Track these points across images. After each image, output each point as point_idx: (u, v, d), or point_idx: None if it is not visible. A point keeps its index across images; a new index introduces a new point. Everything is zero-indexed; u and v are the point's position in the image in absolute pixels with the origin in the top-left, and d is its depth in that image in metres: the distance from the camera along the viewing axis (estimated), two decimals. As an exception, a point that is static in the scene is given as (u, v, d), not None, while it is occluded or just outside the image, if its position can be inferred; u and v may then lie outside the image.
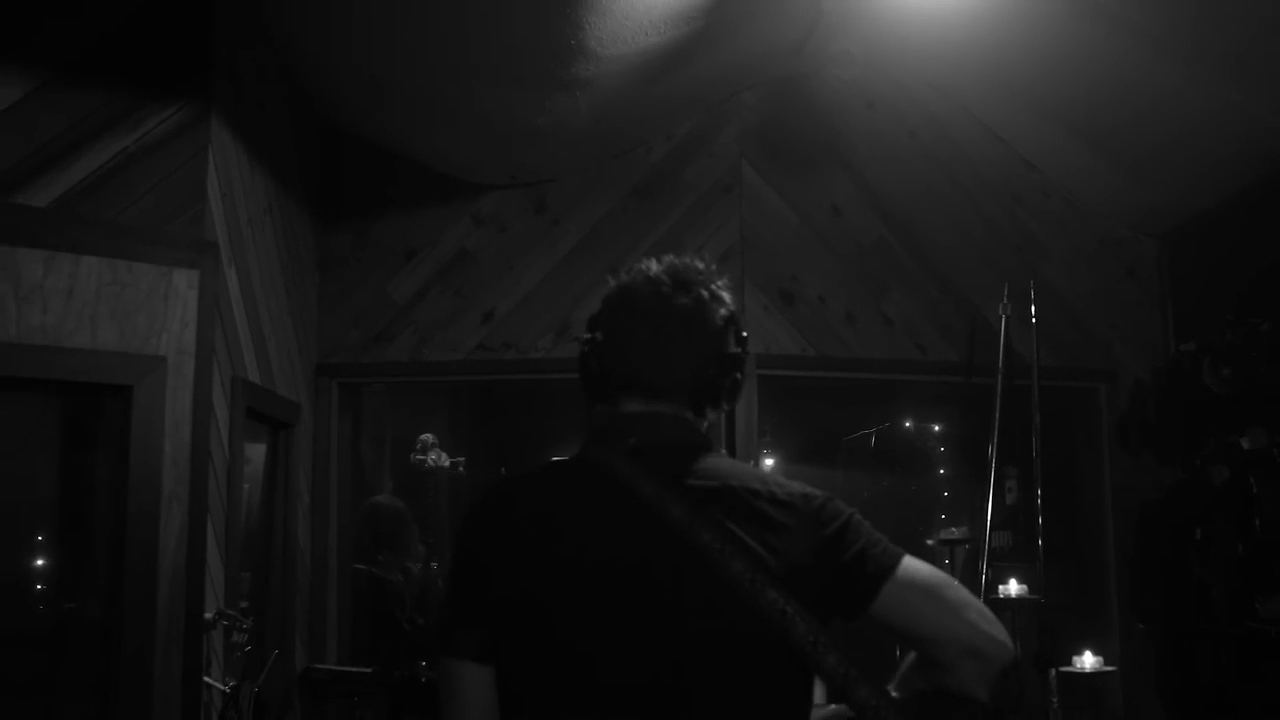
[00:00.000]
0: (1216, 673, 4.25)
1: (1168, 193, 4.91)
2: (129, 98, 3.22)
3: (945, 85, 5.06)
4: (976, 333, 4.90)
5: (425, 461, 5.87)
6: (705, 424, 1.76)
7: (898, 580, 1.59)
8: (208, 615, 3.25)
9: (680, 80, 4.27)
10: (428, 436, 5.94)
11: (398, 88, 4.09)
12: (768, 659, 1.56)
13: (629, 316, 1.73)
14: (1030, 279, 4.65)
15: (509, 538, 1.64)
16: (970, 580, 4.36)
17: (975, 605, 1.63)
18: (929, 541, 4.69)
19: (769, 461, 6.14)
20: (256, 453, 4.06)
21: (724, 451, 1.90)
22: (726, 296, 1.76)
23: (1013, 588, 4.30)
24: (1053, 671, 4.06)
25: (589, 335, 1.77)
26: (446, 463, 5.96)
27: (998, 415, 4.39)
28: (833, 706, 1.64)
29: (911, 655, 1.69)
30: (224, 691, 3.32)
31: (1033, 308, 4.52)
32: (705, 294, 1.72)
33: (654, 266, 1.75)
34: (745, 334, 1.78)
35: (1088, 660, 4.11)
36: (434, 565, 5.48)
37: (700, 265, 1.76)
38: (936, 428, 6.49)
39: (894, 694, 1.61)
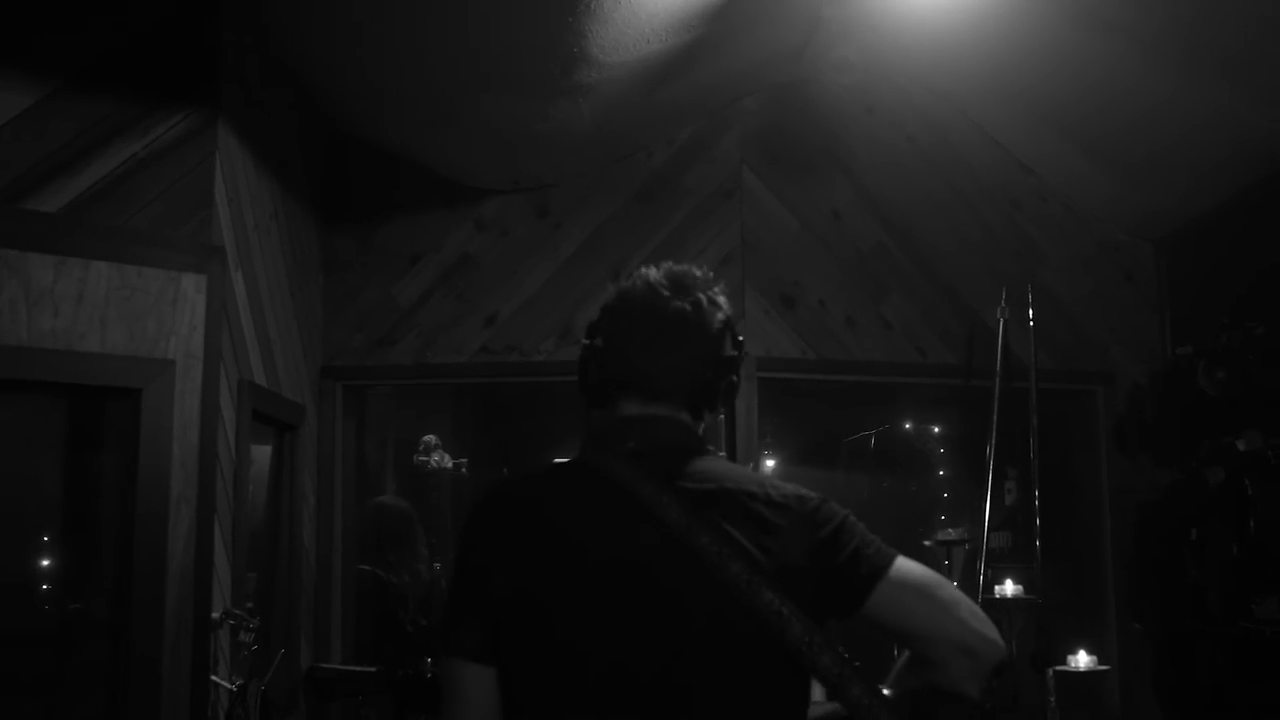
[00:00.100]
0: (1213, 672, 4.28)
1: (1164, 197, 4.94)
2: (138, 105, 3.25)
3: (944, 90, 5.10)
4: (975, 336, 4.94)
5: (428, 463, 5.91)
6: (702, 426, 1.80)
7: (891, 580, 1.62)
8: (215, 615, 3.29)
9: (681, 86, 4.31)
10: (431, 438, 5.98)
11: (402, 94, 4.13)
12: (765, 659, 1.59)
13: (628, 320, 1.76)
14: (1028, 283, 4.69)
15: (510, 539, 1.67)
16: (969, 580, 4.40)
17: (966, 604, 1.66)
18: (926, 542, 4.72)
19: (770, 463, 6.18)
20: (262, 454, 4.10)
21: (722, 454, 1.93)
22: (723, 302, 1.79)
23: (1009, 588, 4.34)
24: (1050, 671, 4.10)
25: (587, 342, 1.80)
26: (449, 464, 6.00)
27: (995, 417, 4.43)
28: (828, 705, 1.66)
29: (905, 654, 1.72)
30: (231, 690, 3.35)
31: (1030, 311, 4.56)
32: (703, 298, 1.76)
33: (653, 273, 1.79)
34: (741, 338, 1.81)
35: (1082, 659, 4.15)
36: (437, 566, 5.52)
37: (698, 272, 1.80)
38: (936, 429, 6.53)
39: (887, 692, 1.64)
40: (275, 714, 3.55)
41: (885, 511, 6.39)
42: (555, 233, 4.82)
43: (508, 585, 1.63)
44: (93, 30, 3.22)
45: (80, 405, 3.30)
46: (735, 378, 1.79)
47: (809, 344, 4.84)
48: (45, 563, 3.33)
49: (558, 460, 1.90)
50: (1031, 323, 4.56)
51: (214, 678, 3.28)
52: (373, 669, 3.84)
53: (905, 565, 1.65)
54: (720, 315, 1.77)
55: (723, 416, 3.02)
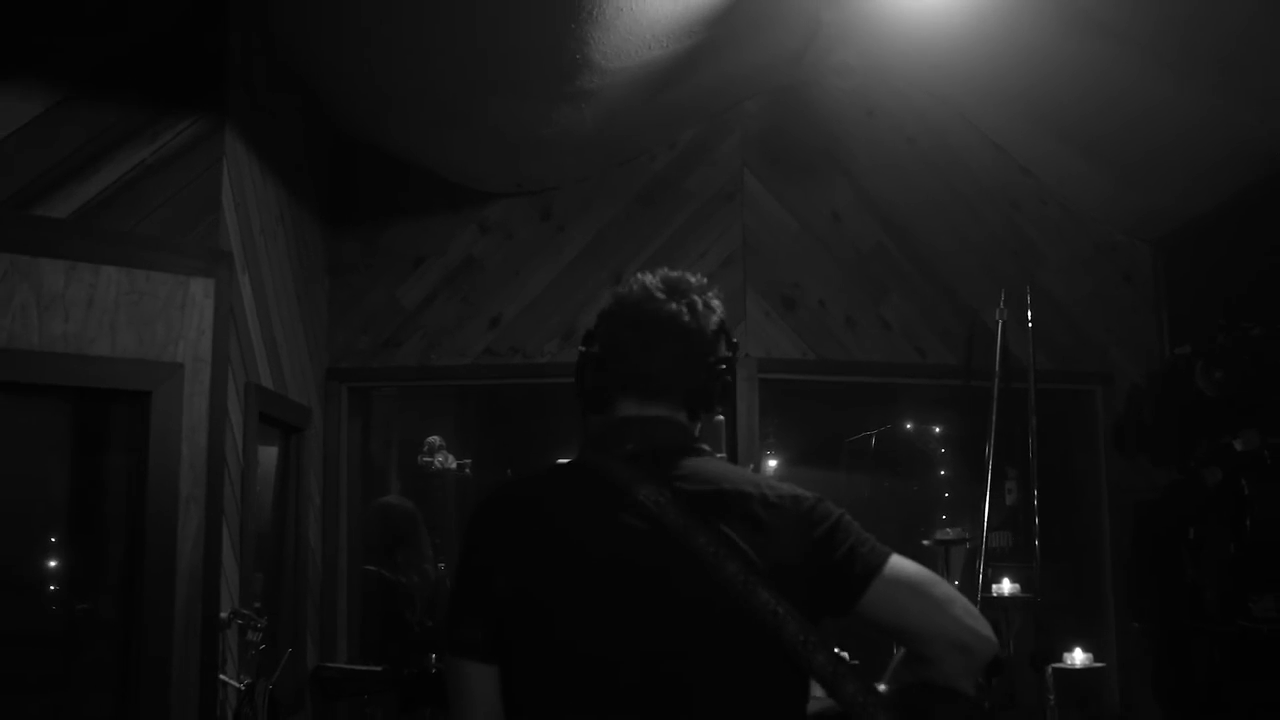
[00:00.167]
0: (1211, 670, 4.31)
1: (1161, 198, 4.97)
2: (146, 111, 3.29)
3: (943, 93, 5.13)
4: (974, 337, 4.97)
5: (433, 463, 5.94)
6: (698, 426, 1.84)
7: (885, 578, 1.65)
8: (223, 615, 3.32)
9: (683, 90, 4.35)
10: (435, 439, 6.01)
11: (407, 98, 4.17)
12: (762, 657, 1.62)
13: (624, 323, 1.81)
14: (1027, 283, 4.72)
15: (512, 539, 1.71)
16: (968, 580, 4.44)
17: (960, 601, 1.69)
18: (924, 542, 4.75)
19: (772, 463, 6.21)
20: (268, 456, 4.13)
21: (721, 455, 1.96)
22: (717, 305, 1.84)
23: (1006, 586, 4.37)
24: (1049, 669, 4.13)
25: (584, 349, 1.85)
26: (453, 465, 6.03)
27: (994, 418, 4.45)
28: (825, 700, 1.69)
29: (901, 650, 1.75)
30: (239, 689, 3.38)
31: (1029, 312, 4.59)
32: (698, 301, 1.80)
33: (649, 278, 1.83)
34: (736, 340, 1.86)
35: (1078, 657, 4.18)
36: (441, 566, 5.55)
37: (692, 278, 1.84)
38: (937, 429, 6.56)
39: (882, 688, 1.67)
40: (282, 713, 3.58)
41: (886, 511, 6.42)
42: (558, 235, 4.86)
43: (510, 585, 1.66)
44: (100, 38, 3.26)
45: (90, 408, 3.34)
46: (730, 378, 1.83)
47: (809, 345, 4.88)
48: (54, 563, 3.37)
49: (560, 461, 1.93)
50: (1030, 323, 4.58)
51: (222, 676, 3.31)
52: (378, 668, 3.90)
53: (899, 563, 1.68)
54: (714, 318, 1.82)
55: (722, 418, 3.05)
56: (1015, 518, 5.01)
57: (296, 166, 4.25)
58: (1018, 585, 4.40)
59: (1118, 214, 5.22)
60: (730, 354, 1.83)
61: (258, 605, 3.64)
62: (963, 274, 5.09)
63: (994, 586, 4.32)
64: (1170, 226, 5.14)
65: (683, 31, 3.75)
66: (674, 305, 1.78)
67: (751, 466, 4.58)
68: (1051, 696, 4.13)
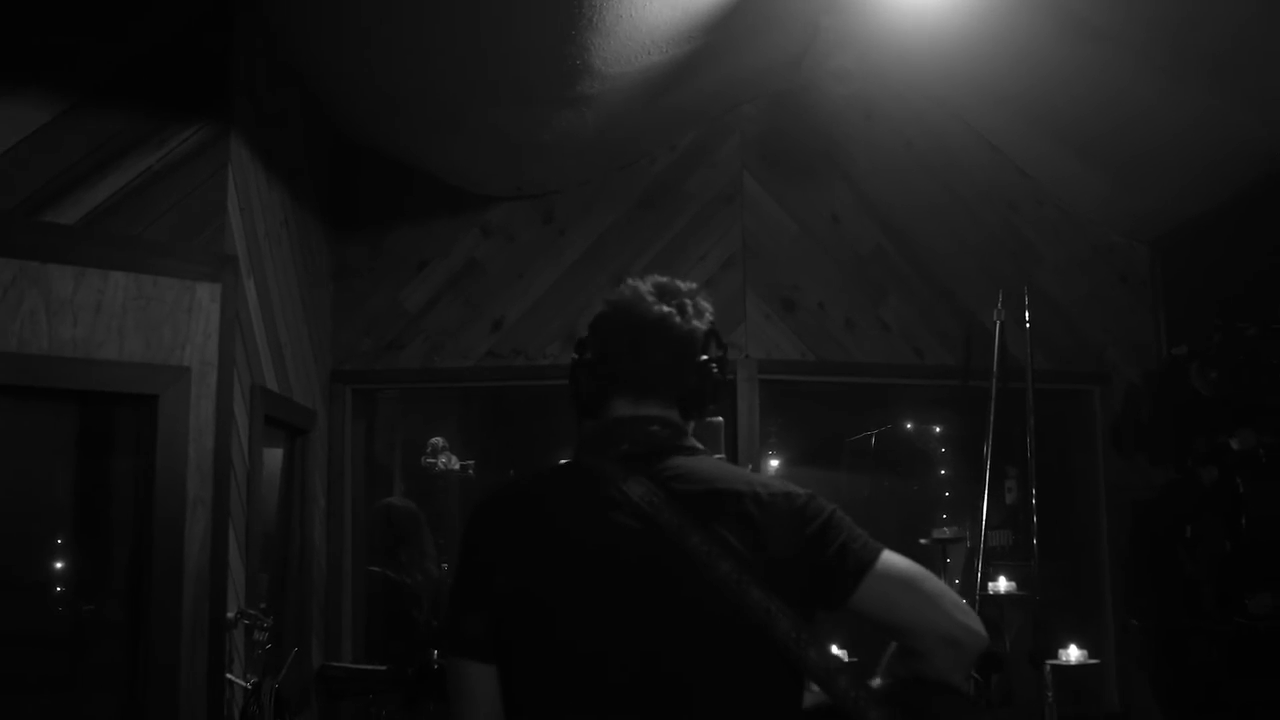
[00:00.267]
0: (1208, 667, 4.35)
1: (1157, 200, 5.00)
2: (152, 119, 3.33)
3: (941, 96, 5.17)
4: (972, 337, 5.00)
5: (436, 464, 5.97)
6: (692, 426, 1.87)
7: (876, 574, 1.68)
8: (230, 615, 3.36)
9: (683, 94, 4.38)
10: (438, 440, 6.05)
11: (411, 105, 4.21)
12: (756, 655, 1.65)
13: (615, 326, 1.86)
14: (1025, 284, 4.75)
15: (511, 538, 1.74)
16: (967, 578, 4.47)
17: (950, 596, 1.72)
18: (922, 540, 4.78)
19: (774, 463, 6.24)
20: (274, 458, 4.17)
21: (721, 456, 1.99)
22: (707, 308, 1.89)
23: (1002, 584, 4.40)
24: (1047, 666, 4.16)
25: (576, 356, 1.89)
26: (457, 466, 6.06)
27: (992, 418, 4.49)
28: (819, 696, 1.71)
29: (893, 645, 1.77)
30: (246, 688, 3.41)
31: (1026, 313, 4.62)
32: (687, 303, 1.85)
33: (641, 283, 1.88)
34: (726, 342, 1.90)
35: (1073, 653, 4.21)
36: (444, 566, 5.58)
37: (682, 283, 1.89)
38: (937, 429, 6.58)
39: (875, 684, 1.70)
40: (288, 712, 3.61)
41: (887, 511, 6.45)
42: (560, 238, 4.90)
43: (509, 583, 1.70)
44: (107, 47, 3.30)
45: (98, 412, 3.37)
46: (722, 377, 1.87)
47: (809, 346, 4.92)
48: (62, 565, 3.40)
49: (563, 461, 1.97)
50: (1028, 324, 4.62)
51: (229, 676, 3.35)
52: (383, 668, 3.93)
53: (891, 559, 1.71)
54: (704, 319, 1.86)
55: (720, 419, 3.08)
56: (1015, 517, 5.03)
57: (300, 171, 4.29)
58: (1014, 583, 4.44)
59: (1114, 215, 5.25)
60: (721, 353, 1.87)
61: (263, 606, 3.68)
62: (961, 275, 5.13)
63: (990, 585, 4.35)
64: (1167, 228, 5.17)
65: (682, 37, 3.78)
66: (664, 307, 1.83)
67: (750, 467, 4.62)
68: (1050, 694, 4.17)
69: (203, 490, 3.27)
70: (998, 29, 4.26)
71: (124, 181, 3.27)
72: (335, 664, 4.40)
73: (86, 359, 3.09)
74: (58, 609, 3.38)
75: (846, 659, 4.22)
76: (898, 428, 6.45)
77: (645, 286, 1.86)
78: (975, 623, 1.72)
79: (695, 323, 1.84)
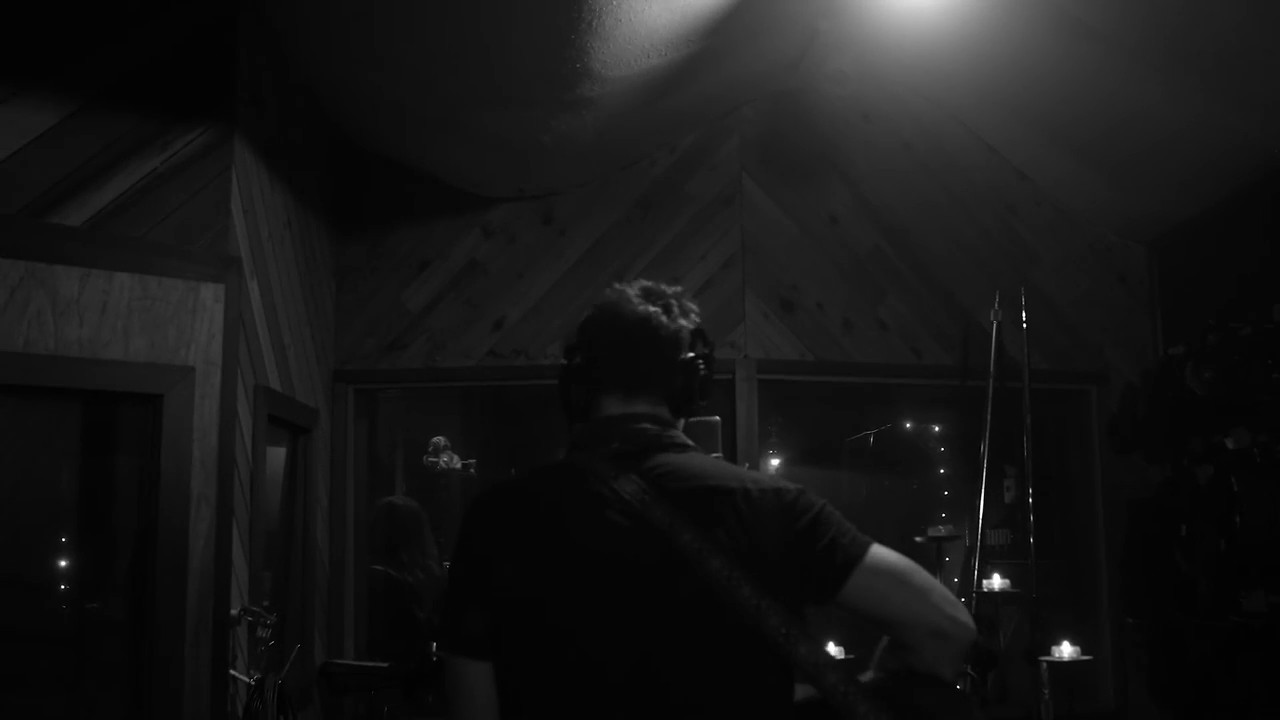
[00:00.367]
0: (1203, 664, 4.36)
1: (1153, 200, 5.03)
2: (157, 121, 3.37)
3: (938, 98, 5.20)
4: (970, 337, 5.03)
5: (438, 464, 5.99)
6: (682, 423, 1.90)
7: (865, 568, 1.70)
8: (233, 611, 3.39)
9: (682, 97, 4.42)
10: (440, 439, 6.07)
11: (413, 108, 4.25)
12: (747, 650, 1.66)
13: (601, 327, 1.89)
14: (1022, 285, 4.78)
15: (506, 536, 1.76)
16: (966, 576, 4.50)
17: (939, 589, 1.74)
18: (917, 538, 4.81)
19: (774, 462, 6.28)
20: (277, 457, 4.20)
21: (718, 455, 2.02)
22: (693, 308, 1.92)
23: (996, 581, 4.43)
24: (1044, 664, 4.19)
25: (565, 362, 1.92)
26: (458, 465, 6.08)
27: (989, 417, 4.50)
28: (809, 690, 1.72)
29: (885, 639, 1.79)
30: (249, 684, 3.44)
31: (1024, 313, 4.65)
32: (673, 304, 1.89)
33: (627, 287, 1.91)
34: (711, 341, 1.93)
35: (1066, 649, 4.24)
36: (446, 564, 5.59)
37: (667, 287, 1.92)
38: (936, 429, 6.61)
39: (864, 678, 1.72)
40: (291, 708, 3.64)
41: (887, 509, 6.47)
42: (560, 239, 4.94)
43: (505, 581, 1.71)
44: (113, 51, 3.34)
45: (103, 411, 3.41)
46: (709, 374, 1.90)
47: (807, 346, 4.95)
48: (65, 563, 3.43)
49: (555, 460, 2.00)
50: (1025, 324, 4.64)
51: (233, 672, 3.38)
52: (384, 664, 3.96)
53: (880, 553, 1.73)
54: (689, 318, 1.90)
55: (718, 418, 3.10)
56: (1014, 516, 5.06)
57: (303, 173, 4.32)
58: (1008, 580, 4.47)
59: (1111, 216, 5.28)
60: (708, 351, 1.91)
61: (266, 604, 3.71)
62: (959, 276, 5.16)
63: (984, 582, 4.38)
64: (1164, 228, 5.20)
65: (680, 41, 3.82)
66: (650, 307, 1.86)
67: (747, 465, 4.65)
68: (1046, 691, 4.19)
69: (207, 488, 3.31)
70: (994, 31, 4.30)
71: (129, 184, 3.30)
72: (338, 661, 4.44)
73: (92, 359, 3.12)
74: (62, 607, 3.42)
75: (844, 656, 4.26)
76: (897, 427, 6.48)
77: (632, 290, 1.90)
78: (963, 614, 1.73)
79: (681, 321, 1.88)
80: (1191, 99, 4.20)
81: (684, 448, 1.83)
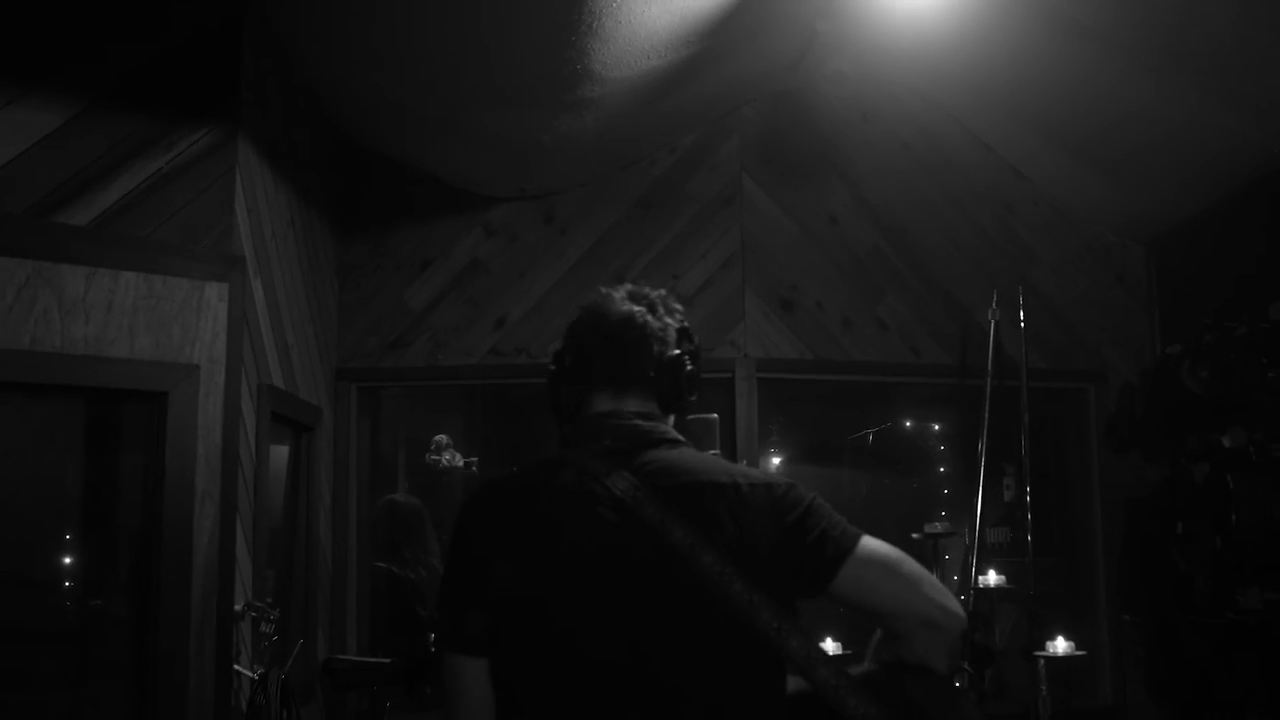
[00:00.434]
0: (1200, 661, 4.39)
1: (1150, 200, 5.05)
2: (162, 122, 3.39)
3: (936, 98, 5.23)
4: (968, 336, 5.06)
5: (440, 461, 6.02)
6: (672, 419, 1.93)
7: (856, 559, 1.72)
8: (237, 607, 3.42)
9: (682, 97, 4.44)
10: (442, 437, 6.10)
11: (415, 109, 4.27)
12: (740, 644, 1.69)
13: (588, 327, 1.92)
14: (1020, 284, 4.81)
15: (502, 533, 1.78)
16: (965, 573, 4.53)
17: (928, 579, 1.76)
18: (914, 535, 4.84)
19: (775, 461, 6.31)
20: (279, 454, 4.23)
21: (716, 452, 2.04)
22: (678, 308, 1.96)
23: (991, 577, 4.46)
24: (1041, 660, 4.22)
25: (553, 367, 1.95)
26: (460, 463, 6.11)
27: (986, 415, 4.52)
28: (800, 683, 1.74)
29: (879, 631, 1.82)
30: (253, 679, 3.46)
31: (1021, 311, 4.67)
32: (658, 304, 1.93)
33: (613, 291, 1.95)
34: (696, 339, 1.97)
35: (1060, 645, 4.27)
36: (448, 562, 5.59)
37: (651, 290, 1.96)
38: (936, 427, 6.63)
39: (855, 671, 1.73)
40: (294, 702, 3.67)
41: (886, 508, 6.50)
42: (561, 239, 4.97)
43: (502, 578, 1.74)
44: (118, 52, 3.36)
45: (109, 408, 3.44)
46: (695, 370, 1.93)
47: (807, 345, 4.98)
48: (70, 561, 3.46)
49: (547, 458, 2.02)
50: (1023, 323, 4.66)
51: (236, 667, 3.40)
52: (387, 661, 3.99)
53: (870, 544, 1.75)
54: (674, 317, 1.94)
55: (716, 416, 3.12)
56: (1013, 514, 5.09)
57: (306, 173, 4.35)
58: (1003, 576, 4.49)
59: (1109, 215, 5.30)
60: (693, 348, 1.94)
61: (269, 600, 3.74)
62: (957, 275, 5.19)
63: (980, 579, 4.40)
64: (1161, 228, 5.22)
65: (680, 42, 3.85)
66: (633, 306, 1.90)
67: (745, 461, 4.67)
68: (1043, 687, 4.22)
69: (211, 485, 3.33)
70: (990, 31, 4.33)
71: (134, 183, 3.33)
72: (341, 657, 4.46)
73: (98, 357, 3.15)
74: (66, 604, 3.44)
75: (841, 651, 4.29)
76: (896, 426, 6.50)
77: (618, 293, 1.93)
78: (953, 604, 1.76)
79: (667, 319, 1.92)
80: (1186, 98, 4.22)
81: (675, 443, 1.85)
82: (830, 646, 4.43)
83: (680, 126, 4.96)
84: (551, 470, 1.83)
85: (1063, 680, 4.33)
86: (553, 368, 1.96)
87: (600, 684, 1.68)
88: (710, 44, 3.98)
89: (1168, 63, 4.08)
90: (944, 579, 4.57)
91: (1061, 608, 4.99)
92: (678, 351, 1.91)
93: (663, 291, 1.97)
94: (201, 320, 3.36)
